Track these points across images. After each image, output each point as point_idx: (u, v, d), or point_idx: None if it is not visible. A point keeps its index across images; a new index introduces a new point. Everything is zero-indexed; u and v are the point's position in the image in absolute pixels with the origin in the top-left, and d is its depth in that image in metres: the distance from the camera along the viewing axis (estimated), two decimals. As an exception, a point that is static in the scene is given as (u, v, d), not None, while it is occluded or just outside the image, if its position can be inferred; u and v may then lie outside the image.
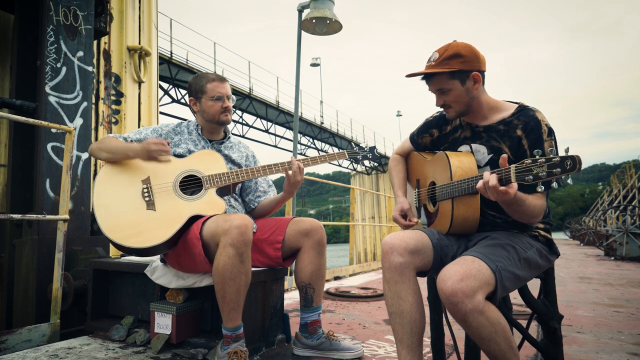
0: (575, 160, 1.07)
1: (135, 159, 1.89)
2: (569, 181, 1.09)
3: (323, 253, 2.01)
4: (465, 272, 1.18)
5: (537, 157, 1.13)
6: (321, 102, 23.51)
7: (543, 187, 1.12)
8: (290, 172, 1.95)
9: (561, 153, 1.14)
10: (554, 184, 1.10)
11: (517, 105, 1.54)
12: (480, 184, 1.27)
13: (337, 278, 5.74)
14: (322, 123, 22.92)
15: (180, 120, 2.16)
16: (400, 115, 36.74)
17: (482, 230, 1.52)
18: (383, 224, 10.28)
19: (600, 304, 3.64)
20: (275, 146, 21.62)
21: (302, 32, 5.51)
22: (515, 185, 1.21)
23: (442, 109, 1.56)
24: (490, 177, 1.22)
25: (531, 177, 1.13)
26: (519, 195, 1.25)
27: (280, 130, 21.68)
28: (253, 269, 1.81)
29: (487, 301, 1.18)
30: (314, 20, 5.37)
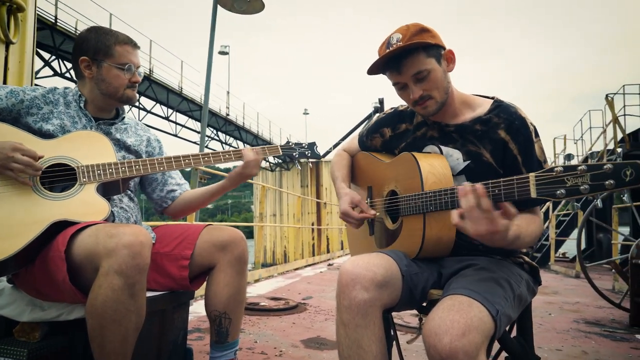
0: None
1: None
2: (625, 197, 0.82)
3: (244, 272, 1.57)
4: (467, 324, 0.86)
5: (572, 163, 0.84)
6: (228, 92, 22.53)
7: (579, 206, 0.83)
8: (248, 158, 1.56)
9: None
10: (598, 202, 0.82)
11: (492, 100, 1.27)
12: (463, 201, 0.92)
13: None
14: (227, 115, 21.94)
15: (54, 86, 1.55)
16: (307, 113, 36.97)
17: (458, 254, 1.22)
18: (284, 224, 9.94)
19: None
20: (176, 135, 20.15)
21: (219, 8, 4.91)
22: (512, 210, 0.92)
23: (414, 104, 1.22)
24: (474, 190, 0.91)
25: (563, 191, 0.82)
26: (514, 230, 0.94)
27: (181, 118, 20.26)
28: (148, 294, 1.32)
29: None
30: (232, -3, 4.81)
